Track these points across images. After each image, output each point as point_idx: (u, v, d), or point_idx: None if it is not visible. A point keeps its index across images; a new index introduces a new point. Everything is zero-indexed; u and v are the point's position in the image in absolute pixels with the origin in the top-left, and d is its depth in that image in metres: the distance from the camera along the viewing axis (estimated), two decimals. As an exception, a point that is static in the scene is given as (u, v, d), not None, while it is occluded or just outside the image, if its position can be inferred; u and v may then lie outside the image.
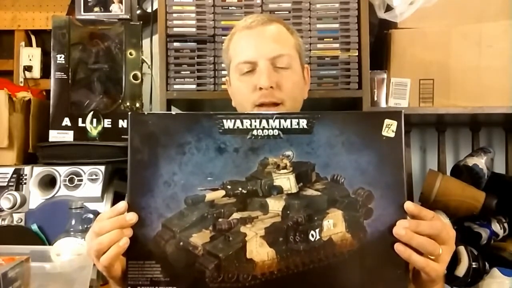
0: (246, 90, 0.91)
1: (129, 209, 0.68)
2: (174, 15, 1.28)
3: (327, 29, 1.28)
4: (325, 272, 0.68)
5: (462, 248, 1.27)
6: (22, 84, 1.68)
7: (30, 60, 1.70)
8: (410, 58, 1.35)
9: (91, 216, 1.18)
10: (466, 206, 1.35)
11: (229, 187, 0.68)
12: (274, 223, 0.68)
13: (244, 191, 0.69)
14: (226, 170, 0.68)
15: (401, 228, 0.66)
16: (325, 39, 1.28)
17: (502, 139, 1.64)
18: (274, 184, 0.69)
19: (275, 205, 0.69)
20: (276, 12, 1.26)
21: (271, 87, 0.89)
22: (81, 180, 1.26)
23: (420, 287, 0.71)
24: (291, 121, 0.69)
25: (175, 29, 1.28)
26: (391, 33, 1.36)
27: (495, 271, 1.26)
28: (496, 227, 1.37)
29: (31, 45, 1.73)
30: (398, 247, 0.66)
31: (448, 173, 1.51)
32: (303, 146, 0.68)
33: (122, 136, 1.37)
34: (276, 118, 0.69)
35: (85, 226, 1.13)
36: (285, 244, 0.68)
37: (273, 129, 0.69)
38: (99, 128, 1.38)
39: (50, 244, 1.17)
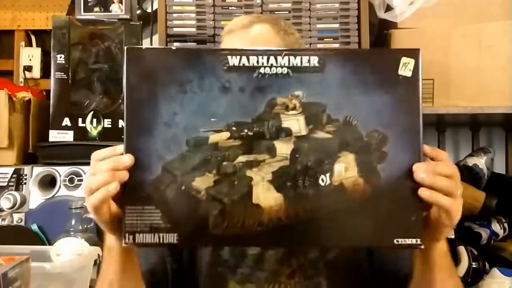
0: None
1: (127, 152, 0.65)
2: (174, 15, 1.28)
3: (327, 29, 1.28)
4: (335, 218, 0.64)
5: (462, 248, 1.27)
6: (22, 84, 1.67)
7: (30, 60, 1.69)
8: (410, 58, 1.34)
9: (91, 216, 1.17)
10: (466, 206, 1.33)
11: (234, 128, 0.63)
12: (282, 167, 0.64)
13: (250, 133, 0.63)
14: (231, 111, 0.63)
15: (421, 172, 0.62)
16: (325, 39, 1.28)
17: (502, 139, 1.64)
18: (282, 126, 0.64)
19: (283, 148, 0.64)
20: (276, 12, 1.26)
21: None
22: (81, 180, 1.26)
23: (425, 242, 0.65)
24: (301, 59, 0.63)
25: (175, 29, 1.28)
26: (391, 33, 1.35)
27: (495, 271, 1.26)
28: (496, 227, 1.37)
29: (31, 45, 1.73)
30: (422, 192, 0.62)
31: (448, 173, 1.51)
32: (314, 86, 0.63)
33: (122, 136, 1.36)
34: (285, 55, 0.64)
35: (85, 226, 1.13)
36: (294, 189, 0.63)
37: (282, 66, 0.63)
38: (99, 128, 1.38)
39: (50, 244, 1.17)
